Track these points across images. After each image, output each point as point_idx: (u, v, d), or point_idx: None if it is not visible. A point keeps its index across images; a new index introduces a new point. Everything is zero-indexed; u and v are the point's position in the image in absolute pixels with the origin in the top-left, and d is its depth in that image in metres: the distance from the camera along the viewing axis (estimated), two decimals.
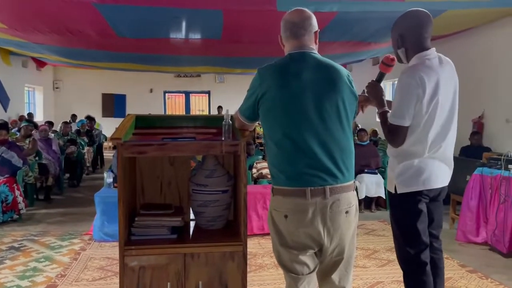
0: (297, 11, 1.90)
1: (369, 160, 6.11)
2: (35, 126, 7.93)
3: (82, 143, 8.66)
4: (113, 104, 14.13)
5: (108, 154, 10.94)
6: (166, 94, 14.94)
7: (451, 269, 3.69)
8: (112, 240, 4.32)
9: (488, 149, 5.89)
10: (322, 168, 1.78)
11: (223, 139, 2.01)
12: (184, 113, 15.02)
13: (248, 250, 4.15)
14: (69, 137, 8.12)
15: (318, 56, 1.89)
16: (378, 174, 5.99)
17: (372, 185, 5.81)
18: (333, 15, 5.16)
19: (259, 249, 4.21)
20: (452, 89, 2.16)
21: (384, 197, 5.94)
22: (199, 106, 15.21)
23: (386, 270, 3.70)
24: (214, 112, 14.38)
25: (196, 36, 6.65)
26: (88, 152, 8.76)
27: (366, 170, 5.96)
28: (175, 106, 15.15)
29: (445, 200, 5.40)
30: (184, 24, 5.80)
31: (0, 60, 9.24)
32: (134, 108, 13.94)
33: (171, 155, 2.14)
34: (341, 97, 1.81)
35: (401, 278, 2.30)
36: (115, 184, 4.27)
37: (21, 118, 9.82)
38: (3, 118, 7.93)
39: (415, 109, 2.05)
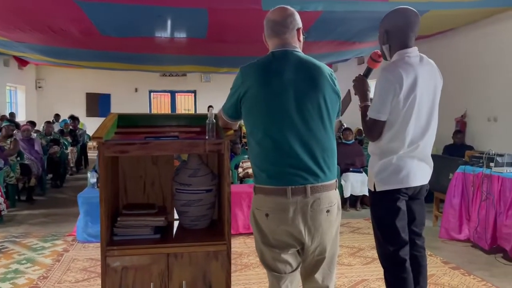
0: (279, 9, 1.90)
1: (354, 158, 6.15)
2: (17, 126, 7.79)
3: (66, 143, 8.53)
4: (98, 104, 13.97)
5: (92, 154, 10.80)
6: (152, 94, 14.82)
7: (434, 266, 3.74)
8: (96, 241, 4.26)
9: (470, 148, 5.99)
10: (303, 167, 1.77)
11: (206, 138, 1.99)
12: (170, 112, 14.91)
13: (233, 249, 4.18)
14: (52, 137, 7.99)
15: (301, 54, 1.88)
16: (363, 172, 6.03)
17: (357, 183, 5.85)
18: (318, 15, 5.18)
19: (245, 248, 4.20)
20: (432, 89, 2.18)
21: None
22: (185, 106, 15.12)
23: (371, 267, 3.73)
24: (202, 112, 14.30)
25: (181, 35, 6.61)
26: (71, 152, 8.64)
27: (351, 169, 6.00)
28: (161, 106, 15.04)
29: (428, 198, 5.48)
30: (168, 23, 5.76)
31: None
32: (119, 107, 13.81)
33: (153, 154, 2.11)
34: (322, 96, 1.81)
35: None
36: (99, 184, 4.21)
37: (3, 118, 9.61)
38: None
39: (392, 104, 2.08)
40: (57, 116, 11.59)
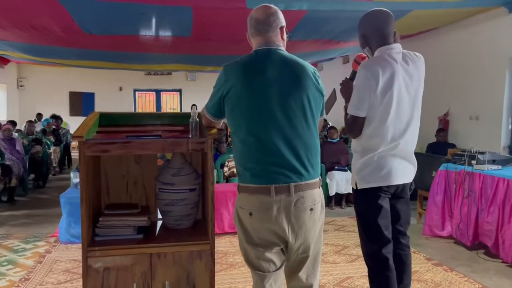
0: (262, 8, 1.89)
1: (339, 157, 6.19)
2: None
3: (48, 142, 8.39)
4: (81, 103, 13.75)
5: (76, 154, 10.57)
6: (136, 93, 14.67)
7: (418, 263, 3.78)
8: (79, 242, 4.17)
9: (453, 146, 6.07)
10: (286, 165, 1.77)
11: (190, 136, 1.98)
12: (155, 111, 14.80)
13: (219, 248, 4.18)
14: (34, 137, 7.85)
15: (284, 52, 1.88)
16: (348, 171, 6.07)
17: (342, 181, 5.89)
18: (302, 14, 5.18)
19: (230, 248, 4.19)
20: (414, 87, 2.19)
21: None
22: (171, 105, 15.01)
23: (356, 265, 3.75)
24: (188, 111, 14.22)
25: (165, 33, 6.54)
26: (54, 152, 8.50)
27: (336, 167, 6.04)
28: (146, 105, 14.91)
29: (412, 196, 5.54)
30: (153, 21, 5.69)
31: None
32: (103, 106, 13.64)
33: (135, 153, 2.09)
34: (306, 94, 1.81)
35: None
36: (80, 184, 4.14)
37: None
38: None
39: (370, 101, 2.10)
40: (39, 116, 11.39)
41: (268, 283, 1.87)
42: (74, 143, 11.49)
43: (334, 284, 3.34)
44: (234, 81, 1.80)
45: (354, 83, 2.20)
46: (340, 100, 2.41)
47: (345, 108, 2.26)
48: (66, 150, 9.68)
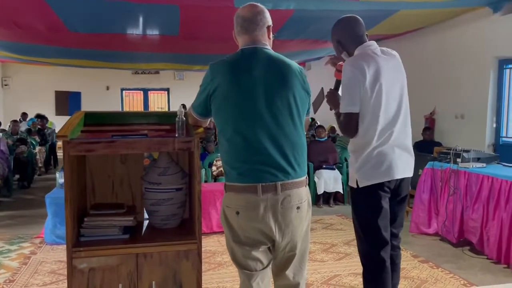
0: (249, 6, 1.89)
1: (327, 156, 6.22)
2: None
3: (33, 142, 8.28)
4: (67, 102, 13.58)
5: (62, 154, 10.52)
6: (124, 92, 14.54)
7: (405, 260, 3.80)
8: (64, 243, 4.02)
9: (439, 144, 6.14)
10: (273, 164, 1.77)
11: (176, 135, 1.97)
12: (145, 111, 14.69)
13: (207, 248, 4.16)
14: (18, 136, 7.74)
15: (270, 51, 1.88)
16: (336, 169, 6.11)
17: (330, 180, 5.92)
18: (290, 13, 5.20)
19: (219, 247, 4.18)
20: (399, 81, 2.21)
21: (342, 192, 6.08)
22: (158, 104, 14.92)
23: (343, 263, 3.77)
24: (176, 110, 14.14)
25: (152, 32, 6.50)
26: (40, 152, 8.39)
27: (324, 166, 6.07)
28: (133, 104, 14.79)
29: None
30: (139, 19, 5.66)
31: None
32: (90, 106, 13.48)
33: (121, 152, 2.07)
34: (292, 93, 1.82)
35: (358, 271, 2.34)
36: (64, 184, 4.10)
37: None
38: None
39: (361, 95, 2.10)
40: (24, 115, 11.23)
41: (255, 282, 1.87)
42: (60, 143, 11.37)
43: (322, 282, 3.36)
44: (220, 80, 1.79)
45: (341, 81, 2.20)
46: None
47: (336, 113, 2.26)
48: (52, 150, 9.56)
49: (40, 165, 8.44)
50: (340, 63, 2.29)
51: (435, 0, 5.05)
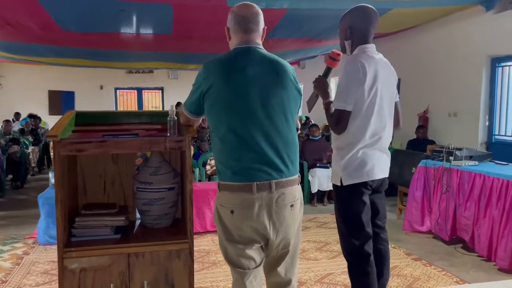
0: (247, 5, 1.90)
1: (321, 154, 6.23)
2: None
3: (26, 142, 8.23)
4: (61, 102, 13.50)
5: None
6: (118, 91, 14.48)
7: (398, 258, 3.83)
8: None
9: (432, 142, 6.17)
10: (267, 162, 1.78)
11: (168, 135, 1.96)
12: (132, 110, 14.66)
13: (201, 247, 4.16)
14: (11, 137, 7.69)
15: (264, 51, 1.89)
16: (330, 168, 6.12)
17: (324, 178, 5.93)
18: (283, 12, 5.19)
19: (212, 246, 4.18)
20: (392, 88, 2.25)
21: None
22: (153, 103, 14.86)
23: (337, 261, 3.78)
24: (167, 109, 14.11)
25: (146, 31, 6.48)
26: (33, 152, 8.34)
27: (318, 165, 6.08)
28: (127, 103, 14.73)
29: (393, 192, 5.59)
30: (132, 18, 5.63)
31: None
32: (83, 105, 13.42)
33: (112, 152, 2.06)
34: (286, 92, 1.83)
35: None
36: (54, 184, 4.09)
37: None
38: None
39: (357, 94, 2.11)
40: (17, 115, 11.16)
41: (248, 280, 1.87)
42: None
43: (316, 280, 3.36)
44: (214, 79, 1.79)
45: (339, 78, 2.20)
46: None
47: (325, 105, 2.27)
48: (45, 150, 9.50)
49: (33, 165, 8.39)
50: (335, 50, 2.29)
51: None
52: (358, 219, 2.18)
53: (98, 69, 12.01)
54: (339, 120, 2.14)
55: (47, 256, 3.93)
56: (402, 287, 3.23)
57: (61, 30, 5.92)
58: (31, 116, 9.96)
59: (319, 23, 5.77)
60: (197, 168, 5.79)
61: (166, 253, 1.93)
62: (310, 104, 2.43)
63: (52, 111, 13.30)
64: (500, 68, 5.58)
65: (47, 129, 10.35)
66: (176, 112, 2.02)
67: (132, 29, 6.25)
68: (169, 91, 14.47)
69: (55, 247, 4.05)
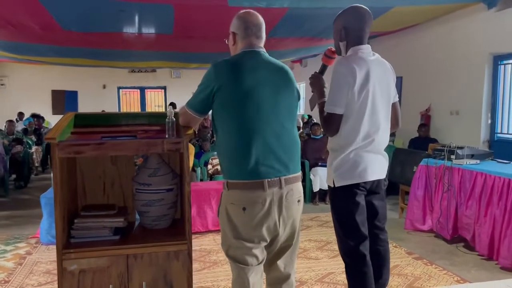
0: (255, 13, 2.01)
1: (323, 153, 6.22)
2: None
3: (29, 142, 8.27)
4: (64, 101, 13.57)
5: None
6: (121, 90, 14.52)
7: (399, 257, 3.83)
8: None
9: (434, 140, 6.15)
10: (277, 160, 1.87)
11: (166, 136, 1.97)
12: (139, 109, 14.68)
13: (202, 246, 4.17)
14: (14, 137, 7.73)
15: (268, 55, 2.00)
16: None
17: (326, 177, 5.91)
18: (284, 11, 5.19)
19: (214, 246, 4.19)
20: (386, 87, 2.23)
21: None
22: (156, 102, 14.90)
23: (338, 261, 3.77)
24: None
25: (147, 31, 6.49)
26: (36, 152, 8.37)
27: (320, 163, 6.07)
28: (130, 103, 14.76)
29: (394, 191, 5.56)
30: (133, 18, 5.64)
31: None
32: (86, 105, 13.48)
33: (110, 154, 2.07)
34: (291, 93, 1.97)
35: None
36: (53, 186, 4.10)
37: None
38: None
39: (348, 97, 2.12)
40: (20, 115, 11.22)
41: (250, 275, 1.92)
42: None
43: (316, 280, 3.37)
44: (225, 79, 1.86)
45: (331, 80, 2.20)
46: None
47: (320, 105, 2.27)
48: (49, 150, 9.51)
49: (36, 164, 8.42)
50: (330, 47, 2.30)
51: None
52: (352, 220, 2.18)
53: (101, 68, 12.06)
54: (330, 123, 2.17)
55: (50, 256, 3.95)
56: (403, 287, 3.23)
57: (62, 30, 5.94)
58: (34, 116, 10.01)
59: (319, 22, 5.75)
60: (199, 168, 5.80)
61: (165, 254, 1.94)
62: (312, 102, 2.44)
63: (56, 110, 13.37)
64: (502, 66, 5.55)
65: (50, 128, 10.40)
66: (174, 113, 2.03)
67: (133, 29, 6.26)
68: (172, 90, 14.50)
69: None
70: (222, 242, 1.99)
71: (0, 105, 12.91)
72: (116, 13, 5.20)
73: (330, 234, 4.57)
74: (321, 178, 5.91)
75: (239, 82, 1.85)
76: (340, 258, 3.78)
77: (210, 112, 1.98)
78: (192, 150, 5.54)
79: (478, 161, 4.18)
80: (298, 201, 1.96)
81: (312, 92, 2.37)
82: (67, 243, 1.92)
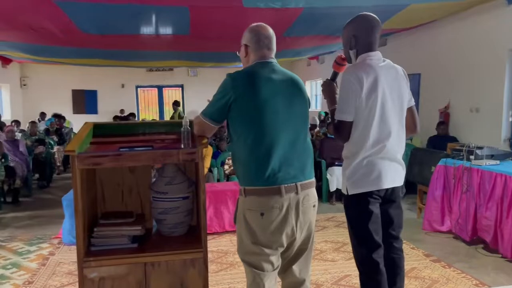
0: (266, 27, 2.08)
1: (339, 153, 6.14)
2: (0, 127, 7.69)
3: (51, 142, 8.46)
4: (84, 100, 13.83)
5: None
6: (139, 89, 14.71)
7: (416, 259, 3.81)
8: None
9: (454, 138, 6.05)
10: (292, 166, 1.94)
11: (182, 146, 2.01)
12: (157, 107, 14.87)
13: (219, 247, 4.23)
14: (37, 137, 7.93)
15: (280, 66, 2.06)
16: None
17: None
18: (299, 11, 5.18)
19: (231, 247, 4.23)
20: (398, 92, 2.21)
21: None
22: (173, 100, 15.01)
23: (354, 263, 3.77)
24: (190, 106, 14.29)
25: (164, 32, 6.56)
26: (58, 151, 8.57)
27: (336, 163, 6.04)
28: (148, 101, 14.94)
29: (413, 190, 5.48)
30: (150, 20, 5.71)
31: None
32: (105, 104, 13.72)
33: (127, 165, 2.12)
34: (303, 102, 2.05)
35: None
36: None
37: None
38: None
39: (356, 104, 2.12)
40: (42, 115, 11.47)
41: (266, 280, 1.97)
42: None
43: (332, 282, 3.38)
44: (242, 89, 1.92)
45: (339, 89, 2.21)
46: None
47: (331, 112, 2.28)
48: None
49: (58, 164, 8.62)
50: (340, 54, 2.30)
51: None
52: (365, 228, 2.18)
53: (119, 68, 12.24)
54: (340, 130, 2.18)
55: (71, 257, 4.05)
56: None
57: (81, 33, 6.06)
58: (55, 116, 10.23)
59: (335, 20, 5.70)
60: (216, 168, 5.85)
61: (181, 262, 1.98)
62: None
63: (76, 109, 13.65)
64: None
65: (71, 128, 10.62)
66: (189, 122, 2.06)
67: (150, 31, 6.34)
68: (189, 88, 14.63)
69: None
70: (238, 249, 2.03)
71: (23, 105, 13.24)
72: (133, 16, 5.27)
73: (346, 235, 4.50)
74: (337, 178, 5.89)
75: (256, 92, 1.91)
76: None
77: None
78: (210, 151, 5.59)
79: (498, 162, 4.10)
80: (314, 205, 2.02)
81: (324, 99, 2.37)
82: (88, 251, 1.98)
